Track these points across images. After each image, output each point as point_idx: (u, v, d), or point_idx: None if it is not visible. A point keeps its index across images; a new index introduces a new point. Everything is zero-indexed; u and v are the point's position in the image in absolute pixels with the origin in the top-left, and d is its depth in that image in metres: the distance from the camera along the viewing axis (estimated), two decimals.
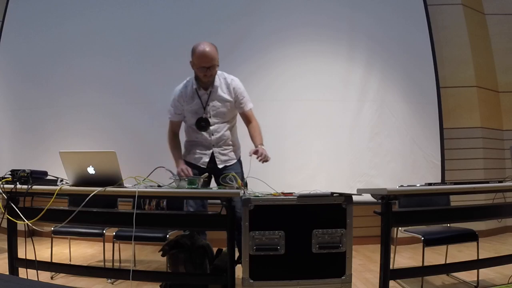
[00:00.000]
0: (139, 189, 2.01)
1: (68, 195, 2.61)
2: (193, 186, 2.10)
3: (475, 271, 2.63)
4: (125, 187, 2.08)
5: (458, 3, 4.61)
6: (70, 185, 2.14)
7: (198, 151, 2.75)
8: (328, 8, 4.29)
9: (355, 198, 2.05)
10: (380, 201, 2.14)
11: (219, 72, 2.65)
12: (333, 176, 4.06)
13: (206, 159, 2.71)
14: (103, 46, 4.39)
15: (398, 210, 2.49)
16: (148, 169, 2.19)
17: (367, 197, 2.23)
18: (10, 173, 2.18)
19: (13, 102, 4.56)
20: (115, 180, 2.04)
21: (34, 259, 2.16)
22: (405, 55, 4.34)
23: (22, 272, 2.26)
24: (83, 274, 2.70)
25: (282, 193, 2.14)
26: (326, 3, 4.31)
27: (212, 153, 2.72)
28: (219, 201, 2.09)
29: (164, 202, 2.86)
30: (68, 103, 4.38)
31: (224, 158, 2.74)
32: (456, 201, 2.95)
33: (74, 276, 2.80)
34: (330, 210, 2.01)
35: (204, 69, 2.50)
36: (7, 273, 2.27)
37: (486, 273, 2.79)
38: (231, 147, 2.78)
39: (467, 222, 2.67)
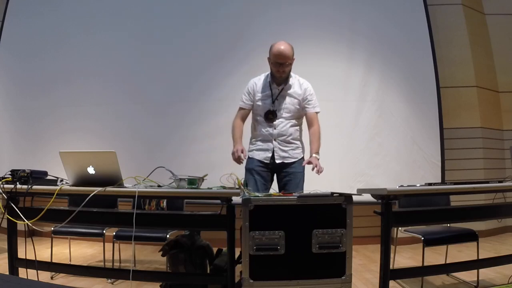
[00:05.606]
0: (139, 189, 2.01)
1: (68, 195, 2.61)
2: (193, 186, 2.10)
3: (475, 271, 2.63)
4: (125, 187, 2.08)
5: (458, 3, 4.60)
6: (70, 185, 2.14)
7: (260, 144, 2.81)
8: (328, 8, 4.29)
9: (355, 198, 2.04)
10: (380, 201, 2.14)
11: (293, 74, 2.84)
12: (333, 176, 4.04)
13: (269, 154, 2.77)
14: (103, 46, 4.39)
15: (398, 210, 2.50)
16: (148, 169, 2.19)
17: (367, 197, 2.23)
18: (10, 173, 2.18)
19: (13, 102, 4.56)
20: (115, 180, 2.04)
21: (34, 259, 2.16)
22: (405, 55, 4.33)
23: (22, 272, 2.26)
24: (83, 274, 2.70)
25: (282, 193, 2.14)
26: (326, 3, 4.31)
27: (273, 148, 2.77)
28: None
29: (164, 202, 2.86)
30: (68, 103, 4.38)
31: (283, 154, 2.78)
32: (456, 201, 2.95)
33: (74, 276, 2.81)
34: (330, 210, 2.00)
35: (278, 65, 2.71)
36: (7, 273, 2.27)
37: (486, 273, 2.79)
38: (293, 145, 2.81)
39: (467, 222, 2.66)
